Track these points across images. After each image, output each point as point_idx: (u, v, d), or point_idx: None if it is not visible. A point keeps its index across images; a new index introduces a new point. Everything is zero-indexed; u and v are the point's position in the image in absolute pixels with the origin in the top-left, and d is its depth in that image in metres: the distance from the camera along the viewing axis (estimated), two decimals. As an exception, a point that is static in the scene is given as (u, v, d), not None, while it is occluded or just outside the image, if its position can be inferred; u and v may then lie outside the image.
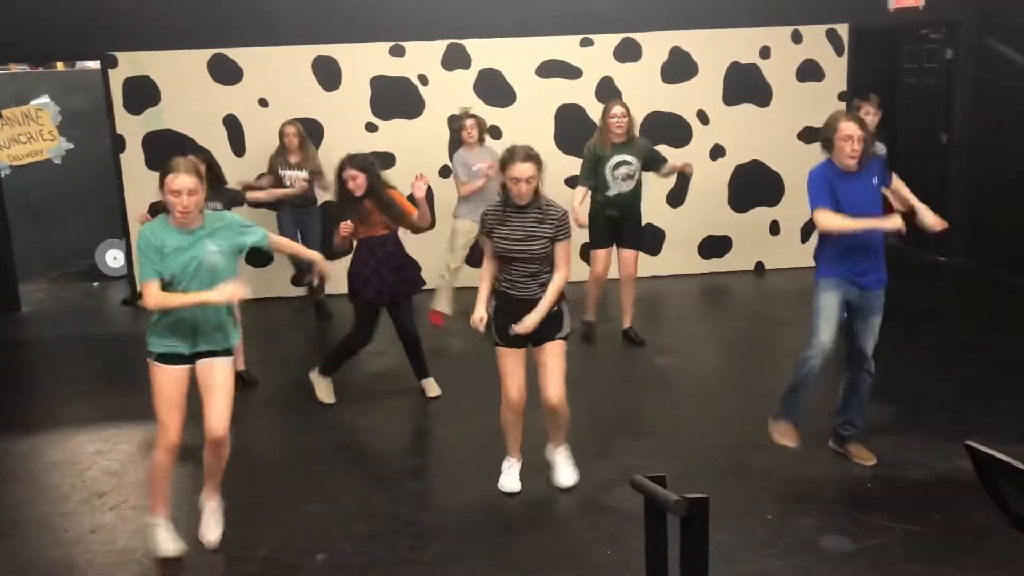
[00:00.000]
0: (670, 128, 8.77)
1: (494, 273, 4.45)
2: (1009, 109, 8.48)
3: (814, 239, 9.03)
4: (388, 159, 8.57)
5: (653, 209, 8.94)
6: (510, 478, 4.59)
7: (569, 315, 4.49)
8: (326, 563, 4.01)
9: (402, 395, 6.07)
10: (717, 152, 8.87)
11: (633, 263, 6.98)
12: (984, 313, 7.45)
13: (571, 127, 8.47)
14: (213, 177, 6.21)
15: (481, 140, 7.26)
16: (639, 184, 6.77)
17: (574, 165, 8.02)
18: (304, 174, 7.77)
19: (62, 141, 9.84)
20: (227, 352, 4.10)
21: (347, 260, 5.82)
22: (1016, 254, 8.38)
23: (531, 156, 4.28)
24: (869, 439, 4.91)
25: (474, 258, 7.01)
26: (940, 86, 9.24)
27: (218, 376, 4.05)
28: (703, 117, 8.80)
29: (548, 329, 4.38)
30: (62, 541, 4.30)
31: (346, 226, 5.54)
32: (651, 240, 9.03)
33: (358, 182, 5.57)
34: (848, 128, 4.37)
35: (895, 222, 4.38)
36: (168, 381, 4.00)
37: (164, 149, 8.31)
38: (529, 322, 4.29)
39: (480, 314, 4.39)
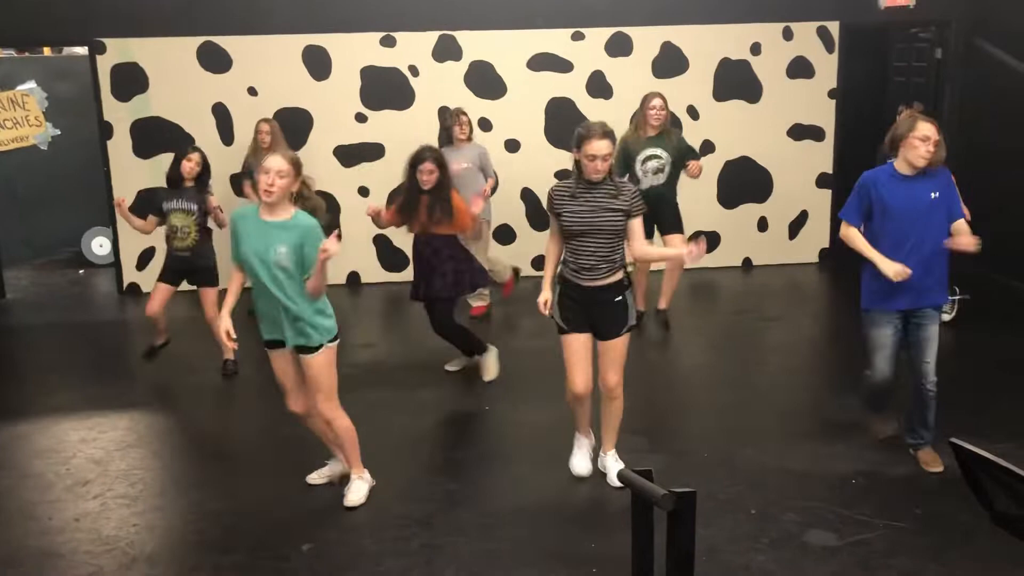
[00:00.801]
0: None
1: (557, 255, 4.36)
2: (998, 109, 8.52)
3: (803, 235, 9.14)
4: (378, 150, 8.55)
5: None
6: (580, 459, 4.57)
7: (633, 305, 4.41)
8: (312, 553, 4.00)
9: (386, 387, 6.06)
10: (706, 148, 8.87)
11: (682, 245, 6.97)
12: (975, 314, 7.49)
13: (561, 120, 8.46)
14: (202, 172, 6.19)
15: (470, 137, 7.26)
16: (673, 177, 6.72)
17: (564, 159, 8.04)
18: None
19: (48, 127, 9.74)
20: (308, 349, 4.19)
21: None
22: (1006, 255, 8.43)
23: (607, 133, 4.16)
24: (852, 436, 4.94)
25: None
26: (929, 85, 9.28)
27: (307, 370, 4.25)
28: (693, 112, 8.80)
29: (614, 324, 4.31)
30: (46, 529, 4.28)
31: (372, 208, 5.70)
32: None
33: (433, 176, 5.60)
34: (925, 128, 4.31)
35: (896, 271, 4.29)
36: (273, 364, 4.36)
37: (152, 136, 8.28)
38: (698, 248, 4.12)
39: (545, 296, 4.31)
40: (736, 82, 8.79)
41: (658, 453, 4.86)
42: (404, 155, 7.83)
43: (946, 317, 6.38)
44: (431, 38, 8.47)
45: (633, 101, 8.70)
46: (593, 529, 4.16)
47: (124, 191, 7.96)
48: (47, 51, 10.12)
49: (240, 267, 4.23)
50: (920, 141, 4.34)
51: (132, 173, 8.33)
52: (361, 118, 8.50)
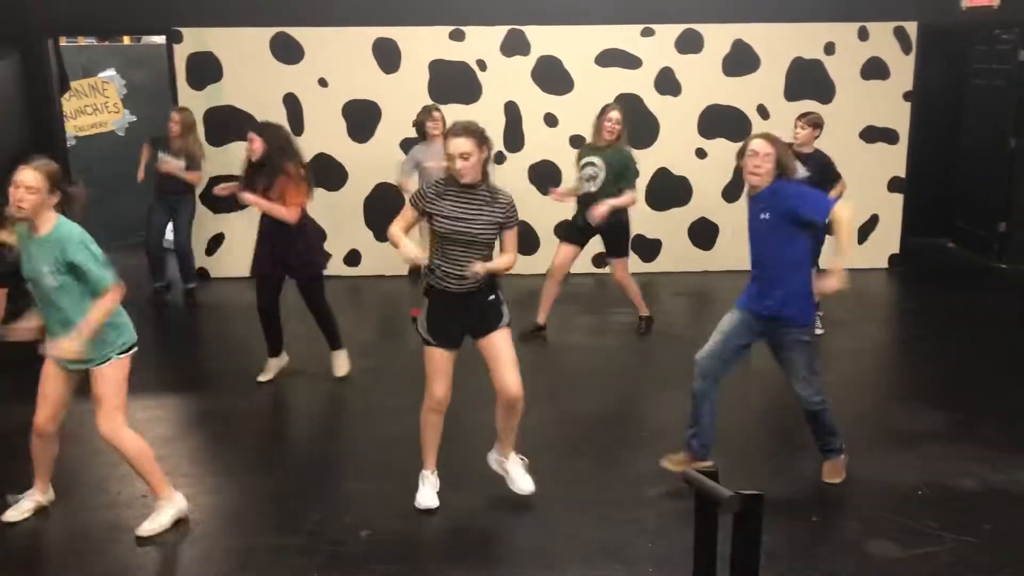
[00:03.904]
0: (729, 122, 8.66)
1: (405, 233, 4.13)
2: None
3: (872, 240, 8.93)
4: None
5: (707, 203, 8.87)
6: (428, 493, 4.28)
7: (508, 308, 4.21)
8: (370, 539, 4.05)
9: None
10: (775, 148, 8.73)
11: (614, 269, 6.84)
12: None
13: (628, 117, 8.40)
14: None
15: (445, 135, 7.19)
16: (606, 190, 6.51)
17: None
18: (181, 162, 7.86)
19: (126, 113, 10.04)
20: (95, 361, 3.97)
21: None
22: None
23: (468, 130, 3.97)
24: (920, 446, 4.83)
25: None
26: (1010, 88, 9.00)
27: (94, 385, 4.03)
28: (763, 112, 8.67)
29: (489, 319, 4.12)
30: (115, 503, 4.41)
31: (224, 187, 5.86)
32: (705, 234, 8.96)
33: (254, 146, 5.62)
34: (753, 144, 4.32)
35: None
36: (45, 372, 4.13)
37: (224, 125, 8.46)
38: (480, 267, 3.96)
39: (416, 251, 4.04)
40: (808, 82, 8.63)
41: (716, 456, 4.80)
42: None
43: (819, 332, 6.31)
44: (500, 32, 8.49)
45: (702, 100, 8.66)
46: (651, 528, 4.13)
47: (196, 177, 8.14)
48: (126, 40, 10.41)
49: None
50: (749, 158, 4.27)
51: (207, 160, 8.51)
52: (428, 111, 8.56)
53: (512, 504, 4.36)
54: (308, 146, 8.16)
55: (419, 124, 7.09)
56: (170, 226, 8.21)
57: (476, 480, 4.64)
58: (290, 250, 5.70)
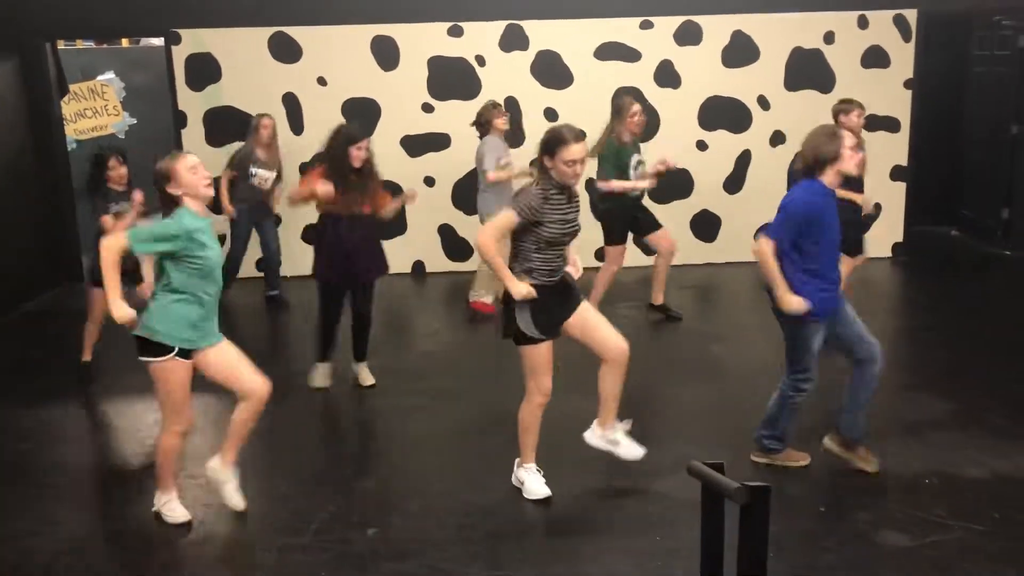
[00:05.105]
0: (730, 113, 8.64)
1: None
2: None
3: (875, 229, 8.90)
4: (444, 140, 8.59)
5: (710, 196, 8.85)
6: (540, 482, 4.39)
7: None
8: (376, 537, 4.05)
9: (449, 376, 6.10)
10: (777, 138, 8.72)
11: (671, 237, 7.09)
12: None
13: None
14: None
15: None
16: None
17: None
18: (273, 175, 7.70)
19: (126, 116, 10.04)
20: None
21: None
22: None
23: (580, 136, 4.12)
24: (927, 435, 4.83)
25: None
26: (1012, 75, 8.96)
27: (230, 353, 4.20)
28: (764, 103, 8.65)
29: (575, 296, 4.30)
30: (123, 507, 4.41)
31: (327, 191, 5.39)
32: (707, 227, 8.94)
33: (363, 153, 5.46)
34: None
35: None
36: (185, 376, 4.18)
37: (224, 125, 8.45)
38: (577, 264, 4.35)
39: (525, 286, 4.08)
40: (808, 72, 8.61)
41: (723, 448, 4.80)
42: (470, 145, 7.91)
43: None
44: (498, 28, 8.47)
45: (702, 91, 8.63)
46: (658, 521, 4.13)
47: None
48: (125, 42, 10.40)
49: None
50: (856, 151, 4.31)
51: (205, 161, 8.46)
52: (428, 108, 8.55)
53: (519, 500, 4.35)
54: (308, 145, 8.17)
55: (486, 120, 7.09)
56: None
57: (484, 477, 4.63)
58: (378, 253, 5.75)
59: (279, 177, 7.77)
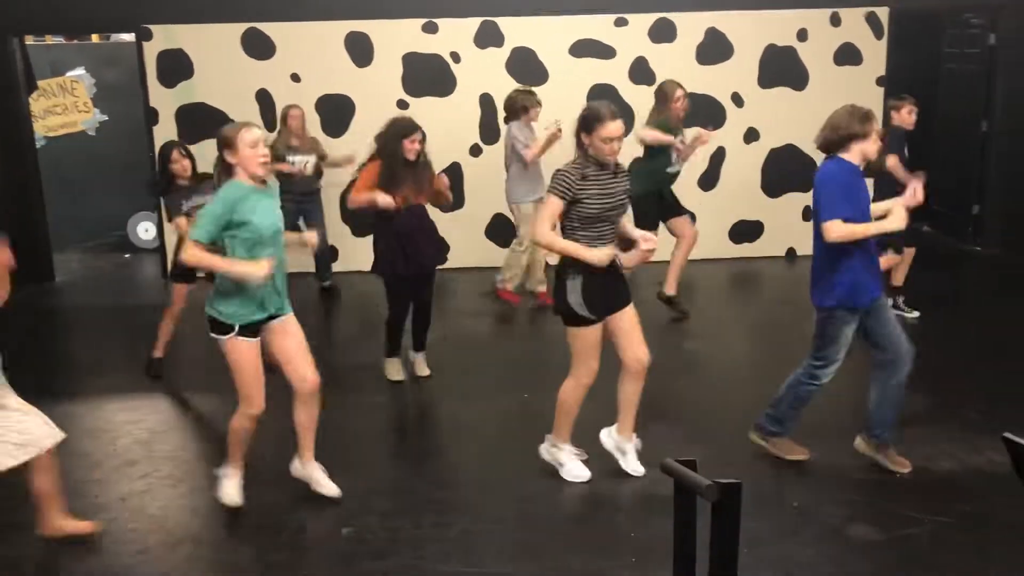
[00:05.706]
0: (704, 110, 8.67)
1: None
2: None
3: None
4: (419, 137, 8.55)
5: (684, 192, 8.87)
6: (579, 464, 4.49)
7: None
8: (351, 537, 4.04)
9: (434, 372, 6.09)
10: (751, 135, 8.77)
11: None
12: (1021, 304, 7.33)
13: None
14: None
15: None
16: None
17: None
18: (312, 158, 7.63)
19: (96, 113, 9.93)
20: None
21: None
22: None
23: (617, 113, 4.14)
24: (900, 429, 4.88)
25: None
26: (981, 72, 9.06)
27: (296, 331, 4.23)
28: (738, 100, 8.69)
29: (626, 291, 4.32)
30: (94, 507, 4.36)
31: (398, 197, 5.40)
32: (681, 223, 8.96)
33: (416, 146, 5.45)
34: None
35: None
36: (253, 352, 4.16)
37: (196, 122, 8.37)
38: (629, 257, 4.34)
39: (607, 250, 4.14)
40: (782, 69, 8.66)
41: (698, 444, 4.82)
42: (446, 142, 7.90)
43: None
44: (473, 24, 8.45)
45: (676, 88, 8.65)
46: (633, 519, 4.14)
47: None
48: (95, 38, 10.28)
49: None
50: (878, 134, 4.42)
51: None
52: (403, 105, 8.51)
53: (494, 497, 4.35)
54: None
55: (521, 106, 7.05)
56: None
57: (460, 474, 4.63)
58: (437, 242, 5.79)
59: (322, 157, 7.72)
